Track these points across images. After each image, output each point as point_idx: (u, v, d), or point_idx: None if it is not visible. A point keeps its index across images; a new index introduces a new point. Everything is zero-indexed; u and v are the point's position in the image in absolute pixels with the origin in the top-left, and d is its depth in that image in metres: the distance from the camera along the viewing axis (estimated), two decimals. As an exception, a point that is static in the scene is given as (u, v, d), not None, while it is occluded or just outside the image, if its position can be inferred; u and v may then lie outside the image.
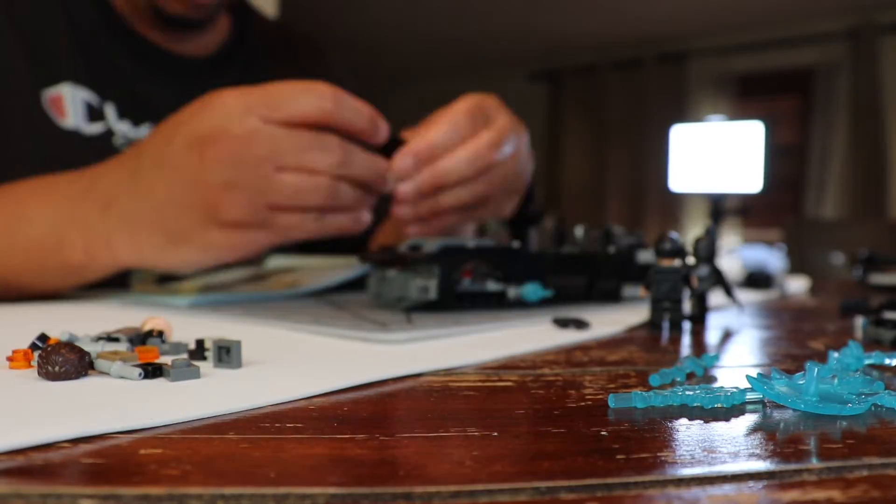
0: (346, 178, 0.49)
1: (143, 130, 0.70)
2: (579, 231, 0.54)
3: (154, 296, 0.52)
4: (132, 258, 0.51)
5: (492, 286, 0.47)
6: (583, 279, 0.51)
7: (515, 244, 0.49)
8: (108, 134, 0.68)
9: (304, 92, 0.47)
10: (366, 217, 0.52)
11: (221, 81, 0.74)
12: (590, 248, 0.54)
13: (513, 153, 0.57)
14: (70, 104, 0.66)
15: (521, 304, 0.48)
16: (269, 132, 0.46)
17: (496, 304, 0.47)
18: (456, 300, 0.45)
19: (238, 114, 0.46)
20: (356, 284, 0.56)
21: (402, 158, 0.52)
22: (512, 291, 0.47)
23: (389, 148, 0.52)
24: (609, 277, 0.53)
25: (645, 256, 0.54)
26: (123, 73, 0.69)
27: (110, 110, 0.68)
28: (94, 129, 0.67)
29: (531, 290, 0.47)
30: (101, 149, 0.66)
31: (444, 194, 0.54)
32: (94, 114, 0.67)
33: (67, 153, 0.63)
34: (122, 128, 0.68)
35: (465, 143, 0.54)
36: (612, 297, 0.53)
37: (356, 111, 0.48)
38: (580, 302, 0.51)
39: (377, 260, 0.47)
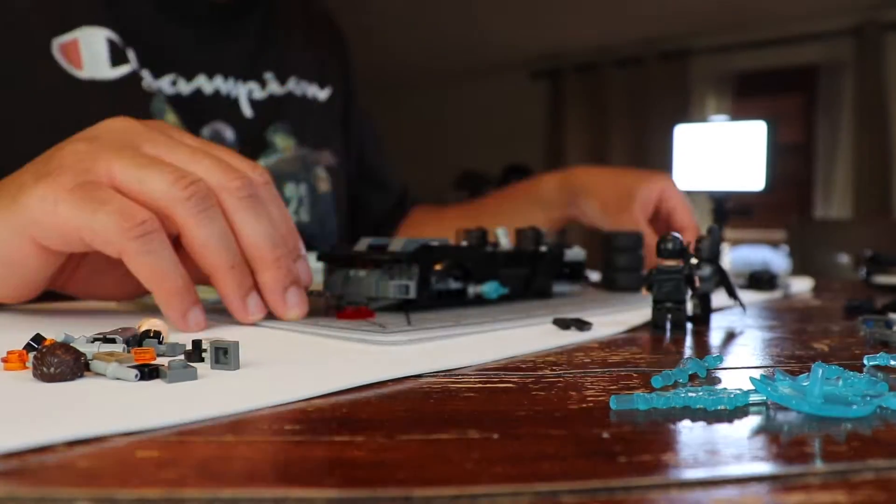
0: (244, 237, 0.38)
1: (164, 82, 0.66)
2: (502, 234, 0.54)
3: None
4: None
5: (453, 284, 0.48)
6: (524, 277, 0.54)
7: (463, 243, 0.51)
8: (136, 77, 0.63)
9: (241, 157, 0.41)
10: (255, 308, 0.39)
11: (242, 29, 0.74)
12: (525, 248, 0.55)
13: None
14: (86, 50, 0.60)
15: (480, 302, 0.49)
16: (180, 137, 0.41)
17: (456, 302, 0.48)
18: (430, 299, 0.46)
19: (171, 125, 0.42)
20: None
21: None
22: (471, 289, 0.49)
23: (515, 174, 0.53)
24: (543, 275, 0.55)
25: (572, 254, 0.58)
26: (144, 17, 0.65)
27: (132, 56, 0.63)
28: (119, 72, 0.61)
29: (491, 288, 0.49)
30: (128, 95, 0.62)
31: None
32: (118, 55, 0.61)
33: (88, 107, 0.58)
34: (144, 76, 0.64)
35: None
36: (545, 293, 0.55)
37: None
38: (520, 298, 0.53)
39: (341, 259, 0.47)
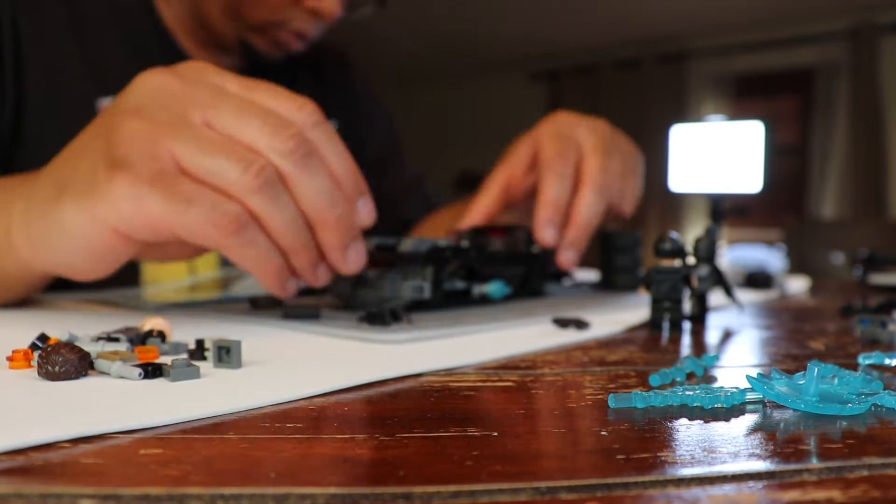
0: (304, 200, 0.38)
1: None
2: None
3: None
4: (24, 242, 0.40)
5: (459, 284, 0.48)
6: (520, 276, 0.54)
7: (464, 244, 0.51)
8: None
9: (286, 98, 0.40)
10: (323, 275, 0.41)
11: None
12: (518, 248, 0.56)
13: (618, 158, 0.59)
14: None
15: (484, 301, 0.50)
16: (220, 85, 0.39)
17: (462, 301, 0.49)
18: (442, 299, 0.46)
19: (199, 65, 0.40)
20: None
21: (544, 231, 0.54)
22: (476, 289, 0.49)
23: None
24: (537, 275, 0.56)
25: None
26: None
27: None
28: None
29: (496, 288, 0.49)
30: None
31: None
32: None
33: None
34: None
35: (584, 184, 0.56)
36: (537, 292, 0.56)
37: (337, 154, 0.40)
38: (516, 298, 0.54)
39: None
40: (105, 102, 0.63)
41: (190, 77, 0.39)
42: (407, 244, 0.46)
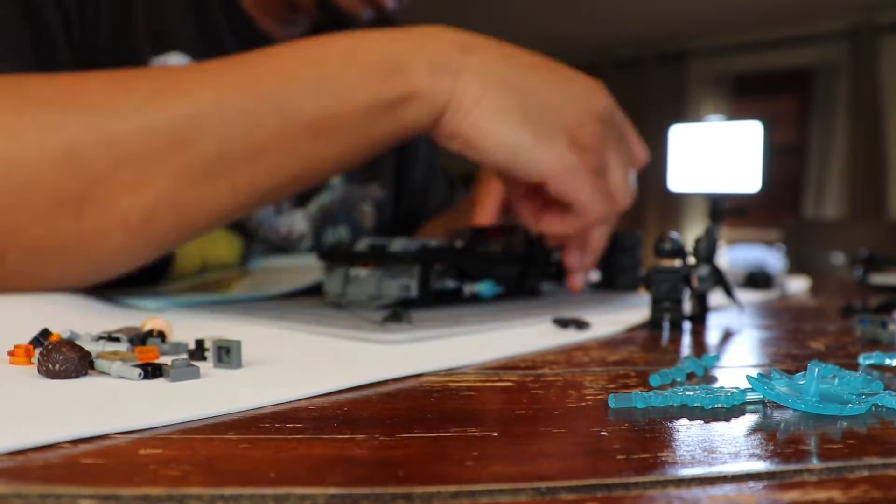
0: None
1: None
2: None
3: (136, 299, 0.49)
4: (471, 105, 0.46)
5: (449, 283, 0.49)
6: (516, 276, 0.54)
7: (458, 244, 0.51)
8: None
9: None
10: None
11: None
12: (514, 248, 0.56)
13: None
14: None
15: (476, 300, 0.50)
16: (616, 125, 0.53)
17: (453, 300, 0.49)
18: (430, 298, 0.46)
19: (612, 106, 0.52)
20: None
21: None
22: (467, 288, 0.49)
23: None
24: (533, 274, 0.56)
25: (557, 255, 0.58)
26: (227, 54, 0.68)
27: None
28: None
29: (486, 287, 0.49)
30: None
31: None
32: None
33: None
34: None
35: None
36: (534, 292, 0.56)
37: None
38: (511, 297, 0.54)
39: (341, 259, 0.47)
40: (158, 61, 0.61)
41: (606, 116, 0.51)
42: (397, 244, 0.46)
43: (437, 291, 0.48)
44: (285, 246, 0.70)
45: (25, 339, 0.30)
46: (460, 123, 0.47)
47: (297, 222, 0.72)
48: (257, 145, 0.44)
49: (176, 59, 0.62)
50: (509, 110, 0.47)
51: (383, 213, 0.79)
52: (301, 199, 0.72)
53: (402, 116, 0.47)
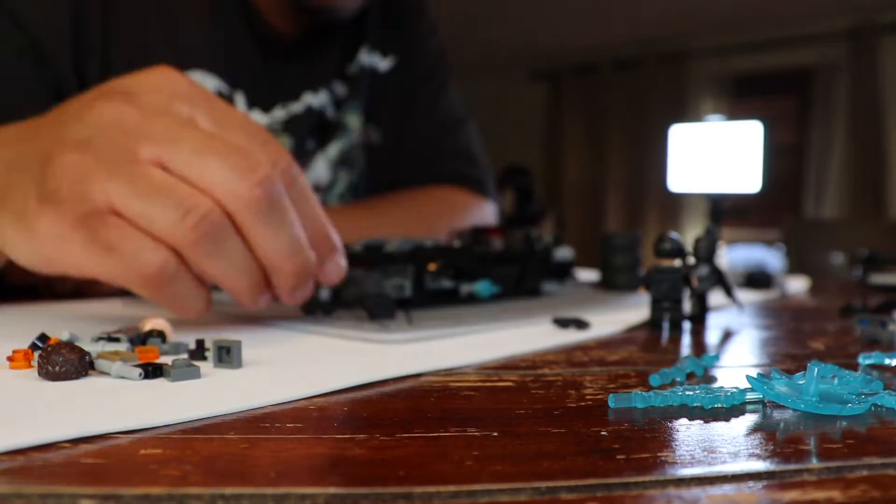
0: (259, 250, 0.35)
1: (278, 113, 0.70)
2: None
3: None
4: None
5: (446, 283, 0.49)
6: (515, 276, 0.54)
7: (456, 244, 0.51)
8: None
9: (261, 140, 0.36)
10: (264, 300, 0.37)
11: (327, 42, 0.74)
12: (515, 247, 0.56)
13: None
14: None
15: (473, 300, 0.50)
16: (187, 116, 0.35)
17: (450, 300, 0.49)
18: (424, 298, 0.47)
19: (170, 85, 0.36)
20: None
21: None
22: (464, 288, 0.49)
23: None
24: (533, 274, 0.56)
25: (561, 254, 0.58)
26: (251, 63, 0.68)
27: (240, 99, 0.67)
28: None
29: (484, 287, 0.49)
30: None
31: None
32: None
33: None
34: (254, 116, 0.67)
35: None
36: (535, 291, 0.56)
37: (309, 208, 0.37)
38: (511, 297, 0.54)
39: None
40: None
41: (152, 106, 0.35)
42: (392, 244, 0.47)
43: (434, 291, 0.48)
44: None
45: (23, 344, 0.30)
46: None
47: (319, 168, 0.74)
48: None
49: (198, 79, 0.63)
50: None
51: (380, 157, 0.80)
52: (321, 142, 0.75)
53: None
